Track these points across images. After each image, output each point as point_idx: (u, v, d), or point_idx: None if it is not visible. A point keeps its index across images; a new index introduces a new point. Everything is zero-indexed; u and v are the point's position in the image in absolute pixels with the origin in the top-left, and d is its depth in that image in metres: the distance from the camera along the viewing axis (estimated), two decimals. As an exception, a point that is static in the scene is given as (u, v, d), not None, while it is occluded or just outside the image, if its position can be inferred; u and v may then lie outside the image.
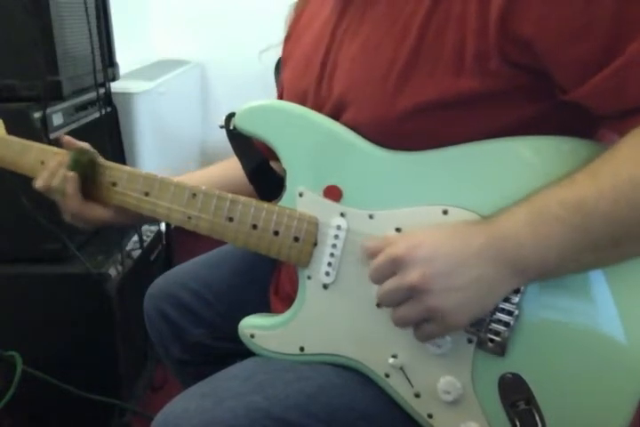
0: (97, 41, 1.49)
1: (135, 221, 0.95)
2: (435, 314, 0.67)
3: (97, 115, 1.52)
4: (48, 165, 0.90)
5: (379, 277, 0.69)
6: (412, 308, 0.68)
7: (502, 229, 0.66)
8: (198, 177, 0.96)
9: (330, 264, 0.78)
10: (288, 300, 0.85)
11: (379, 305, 0.74)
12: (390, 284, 0.68)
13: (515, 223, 0.65)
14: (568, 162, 0.67)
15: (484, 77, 0.68)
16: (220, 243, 0.88)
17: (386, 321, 0.72)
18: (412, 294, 0.67)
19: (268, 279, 1.01)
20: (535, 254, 0.64)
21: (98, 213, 0.91)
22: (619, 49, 0.62)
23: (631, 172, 0.61)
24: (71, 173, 0.87)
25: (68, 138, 0.93)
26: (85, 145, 0.93)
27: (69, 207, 0.90)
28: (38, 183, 0.90)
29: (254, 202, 0.80)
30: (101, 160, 0.90)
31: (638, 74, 0.62)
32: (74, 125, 1.45)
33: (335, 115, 0.78)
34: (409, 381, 0.76)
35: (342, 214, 0.77)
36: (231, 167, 0.97)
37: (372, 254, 0.70)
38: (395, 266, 0.67)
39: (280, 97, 0.99)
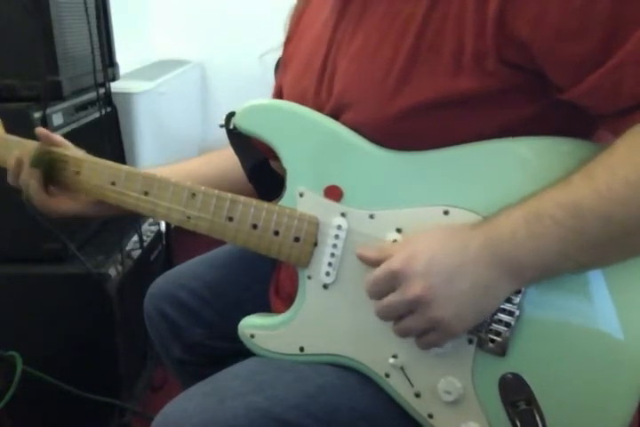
0: (97, 41, 1.48)
1: (109, 213, 0.95)
2: (437, 324, 0.67)
3: (97, 115, 1.52)
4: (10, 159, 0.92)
5: (377, 292, 0.70)
6: (415, 320, 0.68)
7: (499, 232, 0.66)
8: (184, 173, 0.95)
9: (330, 264, 0.78)
10: (288, 299, 0.85)
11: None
12: (391, 299, 0.68)
13: (511, 225, 0.65)
14: (567, 163, 0.67)
15: (482, 77, 0.68)
16: (219, 243, 0.88)
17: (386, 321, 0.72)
18: (414, 306, 0.67)
19: (267, 279, 1.01)
20: (532, 256, 0.65)
21: (65, 206, 0.93)
22: (614, 48, 0.62)
23: (627, 172, 0.61)
24: (33, 170, 0.89)
25: (40, 130, 0.94)
26: (59, 139, 0.94)
27: (35, 201, 0.92)
28: (8, 179, 0.94)
29: (254, 202, 0.80)
30: (88, 158, 0.91)
31: (634, 72, 0.62)
32: (74, 125, 1.45)
33: (335, 115, 0.78)
34: (409, 381, 0.75)
35: (343, 214, 0.77)
36: (213, 161, 0.99)
37: (370, 265, 0.71)
38: (393, 281, 0.68)
39: (276, 97, 1.00)
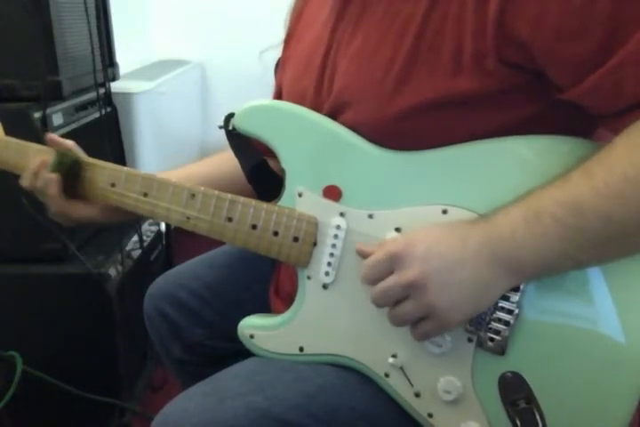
0: (97, 41, 1.49)
1: (121, 218, 0.95)
2: (431, 311, 0.67)
3: (97, 115, 1.52)
4: (30, 164, 0.91)
5: (375, 275, 0.70)
6: (411, 305, 0.68)
7: (499, 229, 0.66)
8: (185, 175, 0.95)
9: (329, 264, 0.78)
10: (288, 299, 0.85)
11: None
12: (388, 282, 0.68)
13: (511, 223, 0.65)
14: (566, 162, 0.67)
15: (482, 77, 0.68)
16: (219, 243, 0.88)
17: (385, 321, 0.72)
18: (409, 291, 0.67)
19: (267, 279, 1.01)
20: (531, 254, 0.65)
21: (81, 211, 0.92)
22: (614, 48, 0.62)
23: (625, 170, 0.61)
24: (53, 175, 0.88)
25: (51, 136, 0.94)
26: (70, 143, 0.93)
27: (52, 207, 0.91)
28: (23, 182, 0.92)
29: (254, 202, 0.80)
30: (98, 161, 0.90)
31: (634, 72, 0.62)
32: (74, 125, 1.45)
33: (334, 115, 0.78)
34: (409, 380, 0.76)
35: (342, 214, 0.77)
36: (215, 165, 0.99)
37: (368, 256, 0.71)
38: (392, 263, 0.68)
39: (276, 97, 1.00)
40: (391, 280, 0.68)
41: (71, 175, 0.90)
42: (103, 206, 0.92)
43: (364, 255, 0.73)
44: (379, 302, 0.71)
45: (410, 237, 0.69)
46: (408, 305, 0.68)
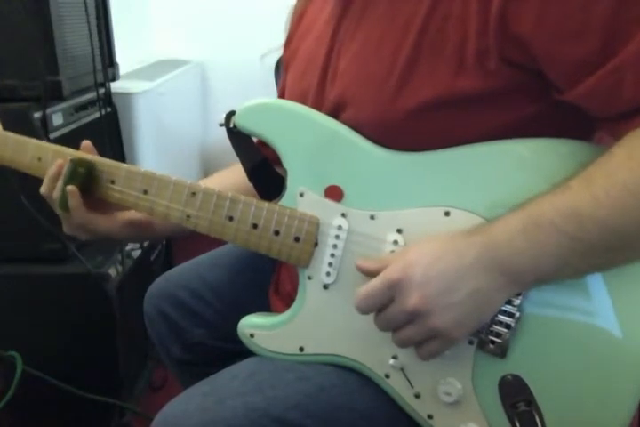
0: (97, 41, 1.49)
1: (143, 234, 0.94)
2: (437, 333, 0.67)
3: (97, 115, 1.53)
4: (48, 172, 0.87)
5: (375, 304, 0.69)
6: (415, 330, 0.68)
7: (497, 238, 0.65)
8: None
9: (330, 264, 0.78)
10: (288, 299, 0.85)
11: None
12: (390, 310, 0.68)
13: (509, 231, 0.65)
14: (566, 164, 0.67)
15: (484, 76, 0.68)
16: (219, 243, 0.87)
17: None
18: (411, 317, 0.67)
19: (268, 279, 1.01)
20: (530, 262, 0.64)
21: (102, 224, 0.89)
22: (614, 50, 0.62)
23: (625, 178, 0.61)
24: (71, 187, 0.84)
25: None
26: (87, 145, 0.92)
27: (74, 219, 0.87)
28: (42, 190, 0.88)
29: (255, 201, 0.80)
30: (100, 159, 0.89)
31: (633, 74, 0.62)
32: (74, 125, 1.45)
33: (335, 114, 0.78)
34: (409, 382, 0.75)
35: (343, 215, 0.76)
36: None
37: (370, 276, 0.71)
38: (391, 291, 0.68)
39: (281, 97, 0.99)
40: (393, 309, 0.68)
41: (88, 185, 0.86)
42: (125, 221, 0.90)
43: (364, 272, 0.73)
44: (382, 329, 0.71)
45: (405, 260, 0.69)
46: (412, 330, 0.68)
